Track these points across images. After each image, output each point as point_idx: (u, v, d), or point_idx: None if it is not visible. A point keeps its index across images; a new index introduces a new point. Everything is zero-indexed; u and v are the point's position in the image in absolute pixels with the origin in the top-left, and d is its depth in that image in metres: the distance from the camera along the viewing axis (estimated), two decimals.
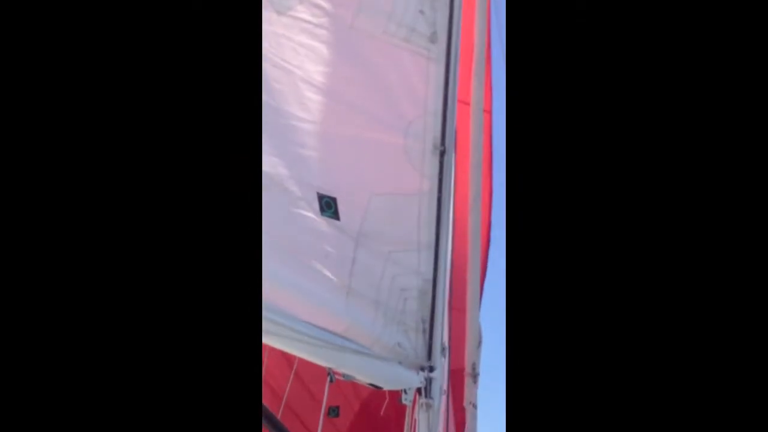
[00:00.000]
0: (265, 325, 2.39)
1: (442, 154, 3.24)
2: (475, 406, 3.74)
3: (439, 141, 3.24)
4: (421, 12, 3.22)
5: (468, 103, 3.96)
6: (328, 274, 3.05)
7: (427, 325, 3.15)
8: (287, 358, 3.52)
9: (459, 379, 3.65)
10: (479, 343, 3.77)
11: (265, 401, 3.06)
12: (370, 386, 3.06)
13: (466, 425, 3.75)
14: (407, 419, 3.14)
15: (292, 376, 3.43)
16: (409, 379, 3.04)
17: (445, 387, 3.23)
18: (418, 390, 3.06)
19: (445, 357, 3.24)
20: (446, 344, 3.27)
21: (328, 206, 3.13)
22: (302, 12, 3.18)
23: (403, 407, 3.12)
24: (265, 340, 2.74)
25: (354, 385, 3.19)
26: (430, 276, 3.19)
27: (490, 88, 4.68)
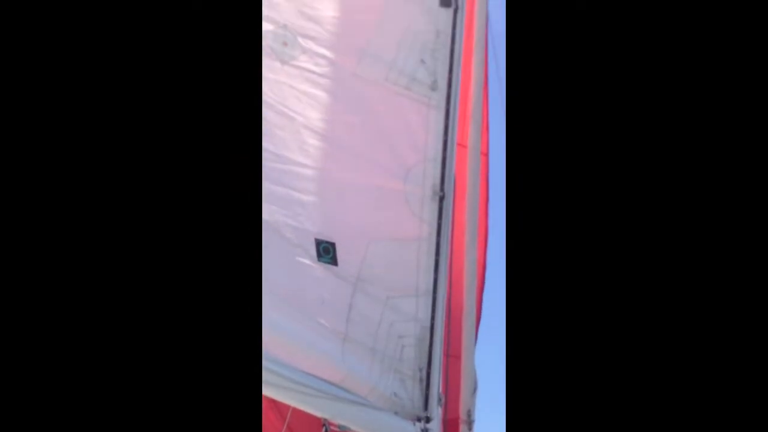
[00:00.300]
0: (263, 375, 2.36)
1: (441, 199, 3.25)
2: None
3: (438, 187, 3.25)
4: (422, 61, 3.25)
5: (465, 146, 3.96)
6: (324, 321, 3.03)
7: (424, 374, 3.12)
8: (279, 410, 3.47)
9: (454, 430, 3.60)
10: (475, 389, 3.73)
11: None
12: None
13: None
14: None
15: (284, 429, 3.37)
16: (405, 431, 3.00)
17: None
18: None
19: (440, 406, 3.20)
20: (442, 393, 3.24)
21: (326, 252, 3.12)
22: (305, 61, 3.21)
23: None
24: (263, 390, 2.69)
25: None
26: (428, 323, 3.17)
27: (487, 130, 4.68)
